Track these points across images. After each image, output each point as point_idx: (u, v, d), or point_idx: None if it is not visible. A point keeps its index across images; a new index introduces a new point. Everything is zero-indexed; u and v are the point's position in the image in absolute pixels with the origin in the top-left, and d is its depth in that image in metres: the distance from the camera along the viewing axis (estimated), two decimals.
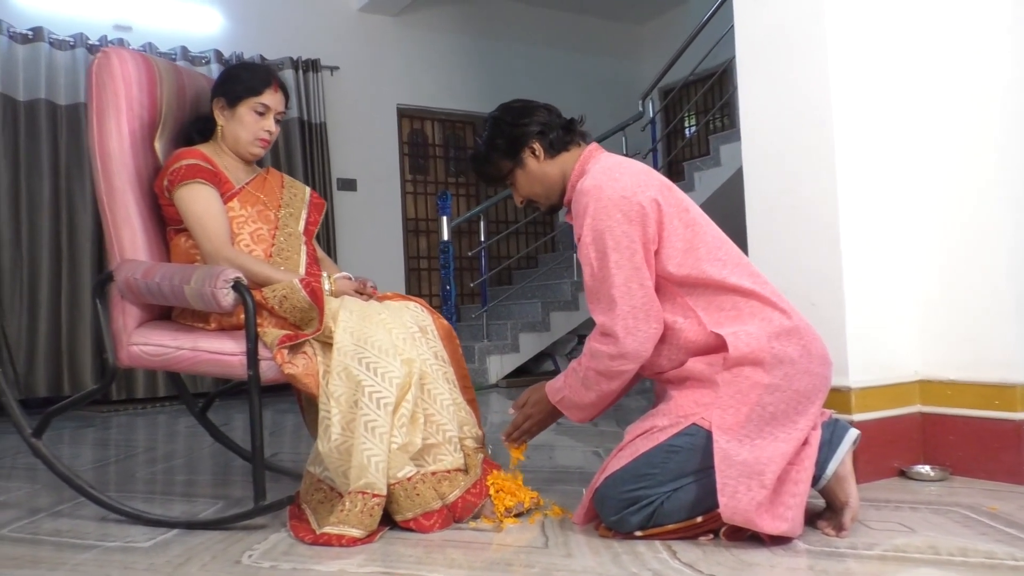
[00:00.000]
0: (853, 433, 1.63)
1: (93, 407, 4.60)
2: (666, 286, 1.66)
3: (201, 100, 2.18)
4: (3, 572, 1.59)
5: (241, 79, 2.03)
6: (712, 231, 1.72)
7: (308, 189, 2.22)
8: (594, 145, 1.84)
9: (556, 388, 1.79)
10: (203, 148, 2.03)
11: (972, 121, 2.12)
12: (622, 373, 1.65)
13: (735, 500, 1.49)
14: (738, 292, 1.63)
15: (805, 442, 1.57)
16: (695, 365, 1.62)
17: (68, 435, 3.65)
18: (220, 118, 2.04)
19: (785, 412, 1.55)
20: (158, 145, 2.05)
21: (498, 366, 5.49)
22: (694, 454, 1.56)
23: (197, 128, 2.10)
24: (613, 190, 1.64)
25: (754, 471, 1.50)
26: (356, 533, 1.64)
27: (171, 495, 2.28)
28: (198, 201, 1.91)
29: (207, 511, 2.02)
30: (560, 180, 1.82)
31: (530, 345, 5.69)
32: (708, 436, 1.55)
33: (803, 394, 1.57)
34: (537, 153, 1.81)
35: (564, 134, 1.83)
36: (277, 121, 2.07)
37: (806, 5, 2.16)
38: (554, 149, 1.81)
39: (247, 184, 2.06)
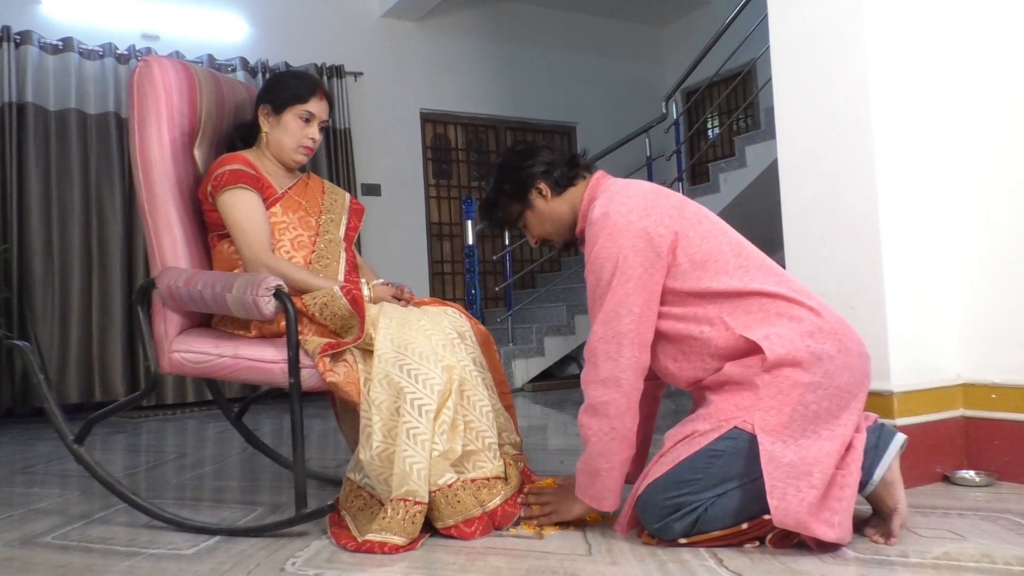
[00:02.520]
0: (900, 438, 1.61)
1: (123, 413, 4.64)
2: (686, 299, 1.64)
3: (239, 107, 2.19)
4: None
5: (288, 86, 2.04)
6: (729, 237, 1.71)
7: (348, 195, 2.22)
8: (600, 173, 1.86)
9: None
10: (246, 154, 2.04)
11: (1012, 120, 2.08)
12: (605, 406, 1.62)
13: (785, 502, 1.47)
14: (763, 295, 1.62)
15: (850, 446, 1.55)
16: (732, 369, 1.60)
17: (99, 441, 3.68)
18: (265, 124, 2.05)
19: (828, 409, 1.53)
20: (197, 153, 2.06)
21: (523, 370, 5.49)
22: (737, 458, 1.54)
23: (240, 134, 2.12)
24: (620, 215, 1.64)
25: (801, 472, 1.48)
26: (398, 540, 1.63)
27: (206, 501, 2.29)
28: (240, 207, 1.92)
29: (246, 517, 2.03)
30: (570, 215, 1.84)
31: (555, 348, 5.68)
32: (750, 439, 1.53)
33: (844, 389, 1.55)
34: (544, 193, 1.84)
35: (568, 170, 1.85)
36: (320, 129, 2.08)
37: (843, 4, 2.13)
38: (560, 186, 1.84)
39: (289, 189, 2.07)
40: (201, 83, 2.07)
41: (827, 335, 1.57)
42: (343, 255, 2.07)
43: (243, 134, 2.12)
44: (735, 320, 1.61)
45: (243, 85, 2.28)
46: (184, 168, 2.02)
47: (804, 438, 1.51)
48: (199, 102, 2.05)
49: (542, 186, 1.83)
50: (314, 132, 2.06)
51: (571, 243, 1.90)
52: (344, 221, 2.14)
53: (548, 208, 1.85)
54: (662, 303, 1.66)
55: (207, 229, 2.04)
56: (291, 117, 2.03)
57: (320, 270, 2.01)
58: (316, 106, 2.04)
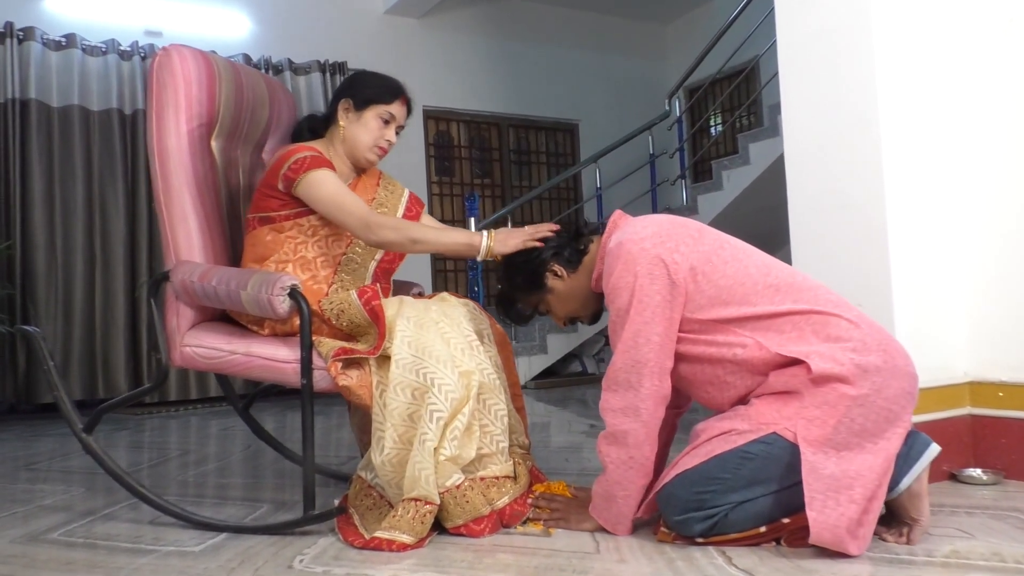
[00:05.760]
0: (934, 449, 1.55)
1: (126, 409, 4.64)
2: (714, 327, 1.61)
3: (259, 99, 2.16)
4: None
5: (373, 85, 2.02)
6: (755, 260, 1.67)
7: (407, 190, 2.18)
8: (617, 213, 1.82)
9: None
10: (316, 144, 2.00)
11: (1020, 119, 2.08)
12: (624, 435, 1.61)
13: (824, 515, 1.44)
14: (796, 313, 1.57)
15: None
16: (777, 379, 1.56)
17: (103, 437, 3.68)
18: (343, 119, 2.02)
19: (876, 423, 1.48)
20: (215, 144, 2.05)
21: (526, 367, 5.48)
22: (769, 463, 1.51)
23: (309, 125, 2.10)
24: (633, 244, 1.63)
25: (842, 485, 1.44)
26: (406, 539, 1.63)
27: (210, 498, 2.29)
28: (330, 182, 1.87)
29: (251, 515, 2.03)
30: (591, 284, 1.80)
31: (558, 346, 5.68)
32: (787, 447, 1.49)
33: (892, 403, 1.50)
34: (560, 274, 1.81)
35: (577, 242, 1.82)
36: (396, 133, 2.05)
37: (852, 4, 2.12)
38: (574, 262, 1.81)
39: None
40: (221, 74, 2.04)
41: (871, 348, 1.52)
42: (378, 259, 2.03)
43: (312, 125, 2.09)
44: (768, 340, 1.56)
45: (263, 77, 2.25)
46: (201, 159, 1.99)
47: (847, 450, 1.47)
48: (218, 93, 2.02)
49: (556, 268, 1.81)
50: (391, 135, 2.03)
51: (599, 311, 1.86)
52: (400, 215, 2.09)
53: (567, 287, 1.81)
54: (689, 332, 1.62)
55: (249, 211, 1.99)
56: (372, 116, 2.00)
57: (347, 275, 1.97)
58: (398, 109, 2.02)
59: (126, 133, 5.03)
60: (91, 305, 4.85)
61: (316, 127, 2.09)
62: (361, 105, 2.00)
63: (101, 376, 4.82)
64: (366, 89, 2.01)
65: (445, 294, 2.03)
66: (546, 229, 1.86)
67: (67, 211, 4.83)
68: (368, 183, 2.11)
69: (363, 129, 2.00)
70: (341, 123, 2.02)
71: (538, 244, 1.83)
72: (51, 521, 2.04)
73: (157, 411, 4.74)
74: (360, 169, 2.09)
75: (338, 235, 1.97)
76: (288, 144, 2.03)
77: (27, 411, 4.84)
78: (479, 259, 1.87)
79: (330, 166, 1.91)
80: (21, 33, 4.78)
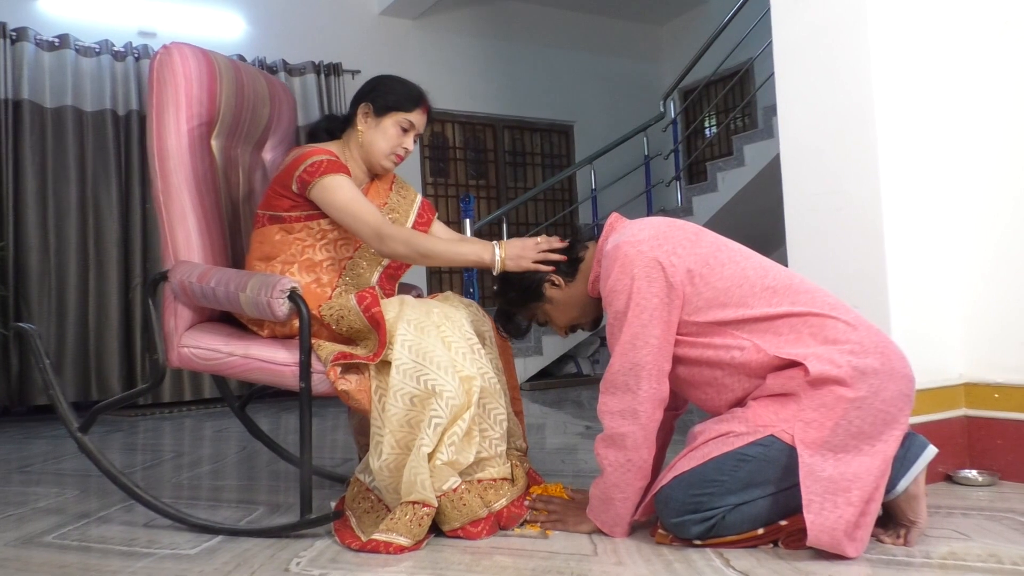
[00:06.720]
0: (931, 451, 1.56)
1: (120, 411, 4.62)
2: (711, 330, 1.61)
3: (259, 97, 2.15)
4: None
5: (395, 91, 2.00)
6: (753, 262, 1.66)
7: (419, 195, 2.17)
8: (613, 216, 1.82)
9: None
10: (331, 146, 1.99)
11: (1017, 120, 2.09)
12: (623, 437, 1.60)
13: (821, 517, 1.44)
14: (792, 316, 1.57)
15: None
16: (774, 382, 1.56)
17: (96, 439, 3.64)
18: (362, 123, 2.00)
19: (873, 425, 1.48)
20: (215, 143, 2.03)
21: (521, 368, 5.48)
22: (766, 466, 1.51)
23: (325, 125, 2.08)
24: (630, 246, 1.62)
25: (840, 487, 1.44)
26: (403, 541, 1.62)
27: (205, 500, 2.28)
28: (346, 187, 1.86)
29: (247, 517, 2.02)
30: (588, 289, 1.80)
31: (553, 347, 5.68)
32: (784, 450, 1.49)
33: (890, 404, 1.50)
34: (558, 283, 1.81)
35: (572, 251, 1.82)
36: (414, 141, 2.04)
37: (849, 3, 2.13)
38: (571, 274, 1.81)
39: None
40: (221, 72, 2.02)
41: (868, 350, 1.52)
42: (383, 264, 2.02)
43: (330, 126, 2.08)
44: (766, 342, 1.56)
45: (263, 75, 2.24)
46: (201, 158, 1.98)
47: (845, 453, 1.47)
48: (219, 92, 2.01)
49: (554, 277, 1.81)
50: (409, 143, 2.01)
51: (599, 317, 1.85)
52: (411, 222, 2.07)
53: (566, 295, 1.81)
54: (687, 334, 1.62)
55: (258, 206, 1.98)
56: (391, 123, 1.98)
57: (351, 280, 1.97)
58: (418, 118, 2.01)
59: (120, 134, 5.01)
60: (84, 306, 4.83)
61: (333, 128, 2.07)
62: (381, 111, 1.98)
63: (94, 378, 4.80)
64: (388, 95, 1.99)
65: (449, 293, 2.01)
66: (559, 248, 1.83)
67: (60, 212, 4.81)
68: (381, 187, 2.09)
69: (381, 136, 1.99)
70: (359, 127, 2.01)
71: (549, 269, 1.81)
72: (45, 524, 2.03)
73: (151, 413, 4.72)
74: (374, 175, 2.08)
75: (347, 240, 1.96)
76: (304, 144, 2.02)
77: (20, 413, 4.81)
78: (495, 272, 1.85)
79: (346, 171, 1.90)
80: (14, 33, 4.76)
